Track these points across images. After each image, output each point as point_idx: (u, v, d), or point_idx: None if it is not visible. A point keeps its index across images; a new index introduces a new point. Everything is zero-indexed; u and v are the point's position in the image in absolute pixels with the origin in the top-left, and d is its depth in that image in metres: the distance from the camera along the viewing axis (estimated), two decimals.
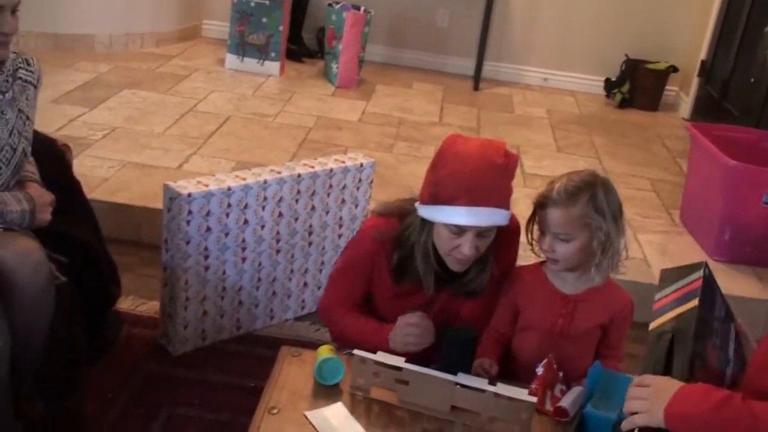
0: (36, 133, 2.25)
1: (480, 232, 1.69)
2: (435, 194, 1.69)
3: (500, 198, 1.69)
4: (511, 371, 1.92)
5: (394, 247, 1.82)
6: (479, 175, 1.64)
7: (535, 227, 1.85)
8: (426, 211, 1.73)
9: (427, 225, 1.76)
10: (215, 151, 3.69)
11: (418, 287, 1.83)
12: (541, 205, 1.79)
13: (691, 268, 1.48)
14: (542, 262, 1.91)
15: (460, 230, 1.68)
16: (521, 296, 1.90)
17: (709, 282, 1.46)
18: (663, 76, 5.32)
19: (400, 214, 1.84)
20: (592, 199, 1.74)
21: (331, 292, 1.97)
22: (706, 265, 1.50)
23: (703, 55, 5.10)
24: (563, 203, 1.74)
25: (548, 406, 1.70)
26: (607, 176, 1.83)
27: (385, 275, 1.86)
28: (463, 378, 1.62)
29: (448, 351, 1.72)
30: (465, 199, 1.64)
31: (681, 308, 1.38)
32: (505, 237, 1.83)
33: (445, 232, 1.70)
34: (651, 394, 1.37)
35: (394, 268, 1.82)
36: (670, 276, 1.48)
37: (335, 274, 1.97)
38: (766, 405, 1.29)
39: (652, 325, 1.43)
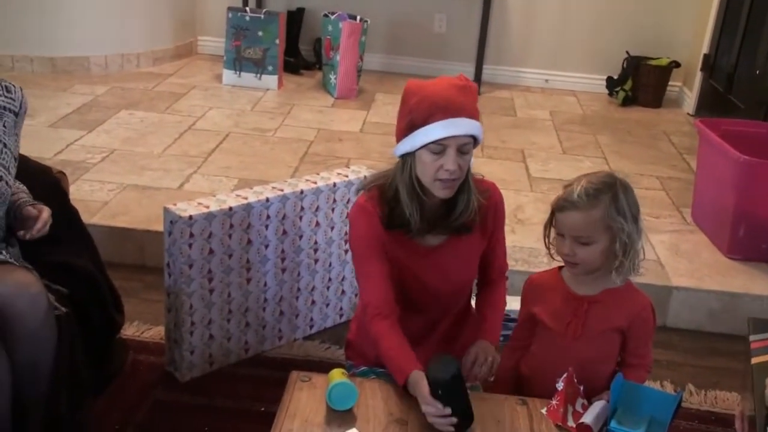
0: (30, 162, 2.20)
1: (459, 148, 1.74)
2: (411, 122, 1.75)
3: (471, 110, 1.76)
4: (527, 380, 1.88)
5: (382, 198, 1.85)
6: (447, 93, 1.74)
7: (552, 231, 1.80)
8: (405, 145, 1.78)
9: (408, 161, 1.80)
10: (216, 169, 3.64)
11: (410, 236, 1.84)
12: (560, 208, 1.74)
13: None
14: (560, 267, 1.86)
15: (441, 148, 1.73)
16: (537, 301, 1.87)
17: None
18: (666, 71, 5.25)
19: (382, 177, 1.88)
20: (614, 200, 1.70)
21: (361, 294, 1.91)
22: None
23: (705, 48, 5.03)
24: (584, 206, 1.70)
25: (570, 423, 1.64)
26: (624, 177, 1.77)
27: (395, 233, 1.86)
28: None
29: (435, 390, 1.61)
30: (439, 114, 1.72)
31: None
32: (491, 204, 1.88)
33: (428, 156, 1.75)
34: None
35: (386, 216, 1.84)
36: (760, 324, 1.60)
37: (356, 270, 1.91)
38: None
39: (755, 360, 1.50)
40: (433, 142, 1.72)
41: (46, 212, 1.91)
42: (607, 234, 1.71)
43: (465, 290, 1.99)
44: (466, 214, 1.84)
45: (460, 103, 1.74)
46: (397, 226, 1.84)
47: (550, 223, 1.80)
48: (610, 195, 1.71)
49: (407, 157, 1.79)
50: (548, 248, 1.83)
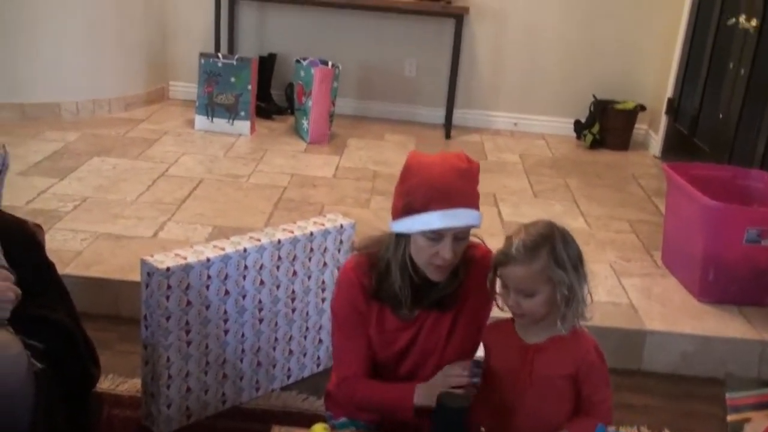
0: (5, 214, 2.19)
1: (456, 235, 1.72)
2: (408, 204, 1.72)
3: (471, 199, 1.75)
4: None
5: (371, 269, 1.82)
6: (447, 179, 1.70)
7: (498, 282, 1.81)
8: (401, 225, 1.75)
9: (402, 240, 1.77)
10: (190, 216, 3.63)
11: (399, 317, 1.83)
12: (501, 263, 1.75)
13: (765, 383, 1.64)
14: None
15: (438, 236, 1.70)
16: (492, 352, 1.87)
17: None
18: (632, 115, 5.36)
19: (376, 244, 1.85)
20: (552, 252, 1.71)
21: (339, 366, 1.89)
22: None
23: (669, 92, 5.15)
24: (523, 260, 1.71)
25: None
26: (563, 226, 1.79)
27: (373, 307, 1.84)
28: None
29: (439, 419, 1.66)
30: (438, 203, 1.68)
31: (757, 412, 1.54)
32: (481, 271, 1.82)
33: (423, 241, 1.72)
34: None
35: (372, 287, 1.81)
36: (740, 382, 1.60)
37: (335, 340, 1.91)
38: None
39: (730, 418, 1.55)
40: (430, 231, 1.71)
41: (11, 292, 1.87)
42: (549, 284, 1.72)
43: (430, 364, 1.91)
44: (449, 287, 1.83)
45: (460, 191, 1.71)
46: (383, 298, 1.82)
47: (494, 275, 1.81)
48: (548, 247, 1.71)
49: (402, 237, 1.77)
50: (495, 300, 1.84)
